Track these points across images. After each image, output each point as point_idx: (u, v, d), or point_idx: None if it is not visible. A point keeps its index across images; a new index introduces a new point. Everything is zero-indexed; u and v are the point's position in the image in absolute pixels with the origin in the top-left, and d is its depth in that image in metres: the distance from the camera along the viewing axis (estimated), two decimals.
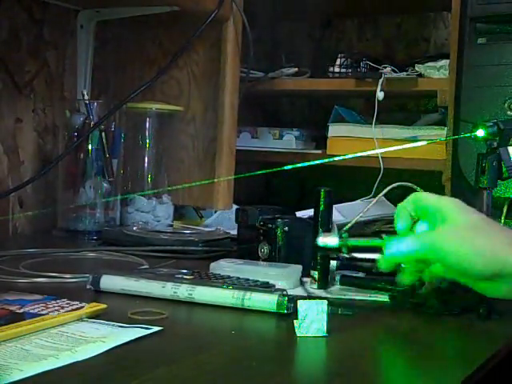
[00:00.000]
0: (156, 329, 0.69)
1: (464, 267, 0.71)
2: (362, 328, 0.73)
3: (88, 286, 0.86)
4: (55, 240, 1.29)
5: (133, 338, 0.66)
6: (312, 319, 0.70)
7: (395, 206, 1.45)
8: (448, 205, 0.78)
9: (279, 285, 0.89)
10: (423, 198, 0.82)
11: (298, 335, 0.70)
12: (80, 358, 0.60)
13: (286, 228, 1.04)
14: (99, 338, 0.65)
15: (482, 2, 1.38)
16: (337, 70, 1.71)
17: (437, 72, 1.57)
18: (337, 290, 0.94)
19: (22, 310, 0.71)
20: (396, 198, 1.45)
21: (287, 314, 0.77)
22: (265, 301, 0.78)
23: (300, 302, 0.71)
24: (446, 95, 1.48)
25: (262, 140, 1.85)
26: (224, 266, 0.97)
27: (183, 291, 0.82)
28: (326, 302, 0.71)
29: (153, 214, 1.40)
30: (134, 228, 1.27)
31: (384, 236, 0.77)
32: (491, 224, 0.77)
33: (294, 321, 0.72)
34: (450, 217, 0.75)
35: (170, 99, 1.50)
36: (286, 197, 2.11)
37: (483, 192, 1.05)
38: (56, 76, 1.42)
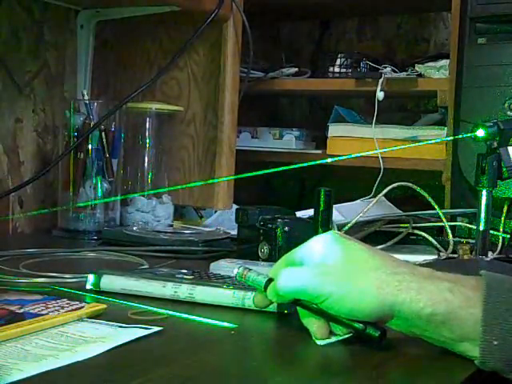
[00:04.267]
0: (156, 329, 0.69)
1: (354, 304, 0.66)
2: None
3: (88, 286, 0.86)
4: (55, 240, 1.29)
5: (133, 337, 0.66)
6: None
7: (395, 206, 1.46)
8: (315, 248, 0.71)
9: None
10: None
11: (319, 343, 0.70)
12: (80, 358, 0.60)
13: (286, 228, 1.04)
14: (99, 338, 0.65)
15: (482, 1, 1.38)
16: (337, 69, 1.71)
17: (437, 72, 1.57)
18: None
19: (22, 310, 0.71)
20: (396, 198, 1.46)
21: (288, 313, 0.77)
22: None
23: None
24: (445, 95, 1.48)
25: (262, 140, 1.85)
26: (224, 266, 0.97)
27: (184, 291, 0.82)
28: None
29: (153, 214, 1.40)
30: (134, 228, 1.27)
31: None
32: (371, 258, 0.69)
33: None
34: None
35: (170, 99, 1.50)
36: (285, 197, 2.11)
37: (483, 192, 1.05)
38: (56, 76, 1.42)
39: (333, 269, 0.68)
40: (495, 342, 0.62)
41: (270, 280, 0.73)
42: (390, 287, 0.65)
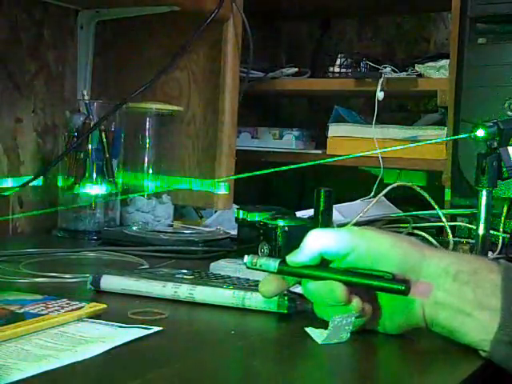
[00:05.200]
0: (156, 329, 0.69)
1: (381, 254, 0.68)
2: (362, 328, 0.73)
3: (88, 286, 0.86)
4: (55, 240, 1.29)
5: (133, 338, 0.66)
6: (340, 330, 0.69)
7: (395, 206, 1.46)
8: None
9: None
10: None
11: (321, 343, 0.69)
12: (80, 358, 0.60)
13: (286, 228, 1.04)
14: (99, 338, 0.65)
15: (482, 1, 1.38)
16: (337, 69, 1.72)
17: (437, 72, 1.57)
18: None
19: (22, 310, 0.71)
20: (396, 198, 1.46)
21: (288, 314, 0.77)
22: (265, 301, 0.78)
23: (332, 318, 0.69)
24: (445, 95, 1.48)
25: (262, 140, 1.85)
26: (224, 266, 0.97)
27: (184, 291, 0.82)
28: (355, 314, 0.70)
29: (153, 214, 1.40)
30: (134, 228, 1.27)
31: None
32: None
33: (310, 328, 0.71)
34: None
35: (170, 99, 1.50)
36: (286, 197, 2.11)
37: (483, 192, 1.05)
38: (56, 76, 1.42)
39: (361, 228, 0.72)
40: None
41: (283, 261, 0.73)
42: (419, 245, 0.70)
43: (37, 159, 1.38)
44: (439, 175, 1.50)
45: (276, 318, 0.77)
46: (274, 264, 0.74)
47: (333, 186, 1.07)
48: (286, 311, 0.77)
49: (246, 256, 0.76)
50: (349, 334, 0.69)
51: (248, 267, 0.75)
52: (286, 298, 0.78)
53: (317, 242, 0.71)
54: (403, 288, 0.67)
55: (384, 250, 0.68)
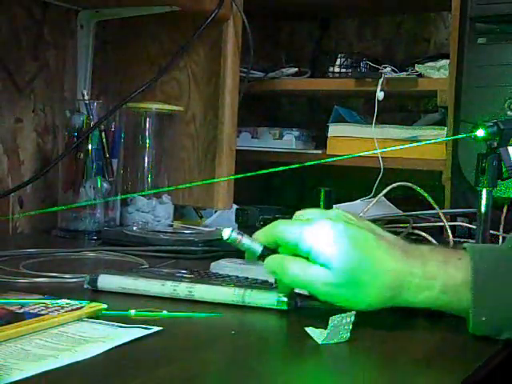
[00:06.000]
0: (156, 329, 0.69)
1: (360, 289, 0.72)
2: (362, 328, 0.73)
3: (85, 286, 0.86)
4: (55, 240, 1.29)
5: (133, 338, 0.66)
6: (340, 330, 0.69)
7: (395, 206, 1.46)
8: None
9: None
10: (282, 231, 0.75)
11: (320, 343, 0.69)
12: (80, 358, 0.60)
13: None
14: (99, 338, 0.65)
15: (482, 1, 1.38)
16: (337, 69, 1.72)
17: (437, 72, 1.57)
18: None
19: (22, 310, 0.71)
20: (396, 198, 1.46)
21: (287, 310, 0.77)
22: (265, 297, 0.78)
23: (331, 318, 0.69)
24: (445, 95, 1.48)
25: (262, 140, 1.85)
26: (224, 266, 0.97)
27: (183, 289, 0.82)
28: (354, 313, 0.70)
29: (153, 214, 1.40)
30: (134, 228, 1.27)
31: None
32: (378, 238, 0.74)
33: (311, 329, 0.71)
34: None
35: (170, 99, 1.50)
36: (286, 197, 2.11)
37: (483, 192, 1.05)
38: (56, 76, 1.42)
39: (342, 272, 0.71)
40: (483, 318, 0.70)
41: (266, 249, 0.75)
42: (402, 273, 0.72)
43: (37, 159, 1.38)
44: (439, 175, 1.50)
45: (276, 317, 0.77)
46: (256, 251, 0.76)
47: (333, 186, 1.07)
48: (285, 307, 0.77)
49: (225, 230, 0.75)
50: (349, 334, 0.69)
51: (230, 243, 0.76)
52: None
53: (301, 285, 0.74)
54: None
55: (362, 291, 0.72)
